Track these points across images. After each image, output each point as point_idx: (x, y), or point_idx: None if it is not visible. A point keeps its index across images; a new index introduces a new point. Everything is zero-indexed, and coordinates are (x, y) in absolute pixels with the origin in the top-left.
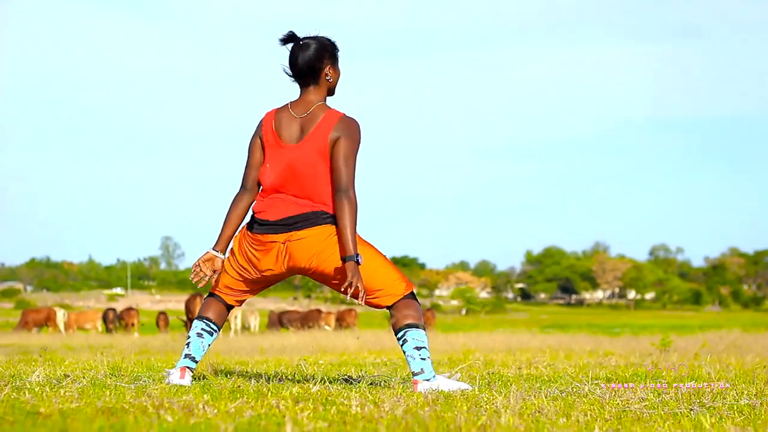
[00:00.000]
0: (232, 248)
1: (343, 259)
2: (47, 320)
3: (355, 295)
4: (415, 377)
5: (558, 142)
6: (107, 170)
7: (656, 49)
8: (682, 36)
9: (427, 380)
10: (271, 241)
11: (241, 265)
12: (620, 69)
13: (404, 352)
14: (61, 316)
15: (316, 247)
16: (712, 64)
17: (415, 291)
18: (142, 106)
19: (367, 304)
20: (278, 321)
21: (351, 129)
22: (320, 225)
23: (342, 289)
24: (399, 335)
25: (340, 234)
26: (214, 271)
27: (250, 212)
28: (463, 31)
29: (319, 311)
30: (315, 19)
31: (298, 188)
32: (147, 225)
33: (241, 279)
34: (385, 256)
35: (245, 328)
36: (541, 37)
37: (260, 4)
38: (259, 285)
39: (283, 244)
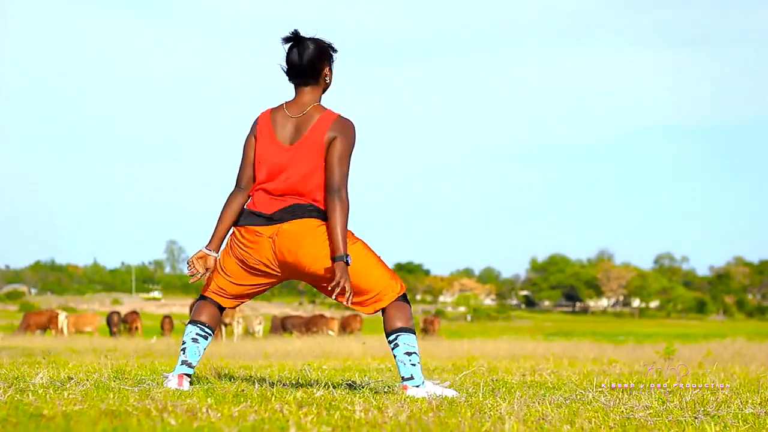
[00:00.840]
0: (225, 249)
1: (333, 260)
2: (49, 323)
3: (341, 296)
4: (405, 382)
5: (563, 149)
6: (113, 173)
7: (663, 57)
8: (690, 44)
9: (417, 386)
10: (258, 234)
11: (233, 264)
12: (626, 76)
13: (395, 356)
14: (62, 318)
15: (302, 239)
16: (718, 72)
17: (407, 294)
18: (147, 109)
19: (359, 309)
20: (281, 326)
21: (347, 129)
22: (306, 218)
23: (329, 289)
24: (390, 338)
25: (330, 233)
26: (207, 269)
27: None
28: (471, 35)
29: (322, 316)
30: (317, 22)
31: (290, 188)
32: (152, 229)
33: (233, 281)
34: (377, 254)
35: (249, 333)
36: (547, 43)
37: (264, 7)
38: (253, 288)
39: (270, 238)
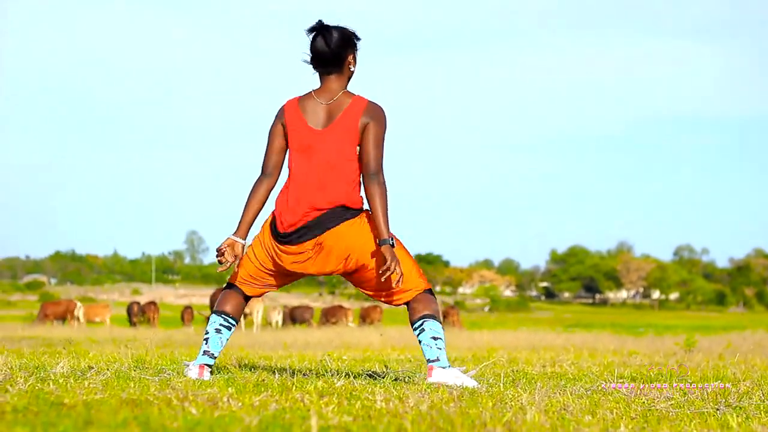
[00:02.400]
0: (257, 239)
1: (378, 243)
2: (66, 313)
3: (385, 293)
4: (431, 363)
5: (583, 140)
6: (133, 164)
7: (683, 47)
8: (710, 33)
9: (443, 368)
10: (301, 252)
11: (265, 259)
12: (647, 66)
13: (420, 342)
14: (78, 308)
15: (340, 244)
16: (739, 62)
17: (432, 288)
18: (168, 100)
19: (385, 300)
20: (290, 317)
21: (379, 114)
22: (340, 223)
23: (380, 272)
24: (416, 325)
25: (373, 218)
26: (236, 257)
27: (273, 207)
28: (491, 25)
29: (341, 307)
30: (329, 11)
31: (323, 175)
32: (172, 219)
33: (265, 271)
34: (407, 250)
35: (268, 323)
36: (567, 32)
37: None
38: (284, 280)
39: (312, 249)
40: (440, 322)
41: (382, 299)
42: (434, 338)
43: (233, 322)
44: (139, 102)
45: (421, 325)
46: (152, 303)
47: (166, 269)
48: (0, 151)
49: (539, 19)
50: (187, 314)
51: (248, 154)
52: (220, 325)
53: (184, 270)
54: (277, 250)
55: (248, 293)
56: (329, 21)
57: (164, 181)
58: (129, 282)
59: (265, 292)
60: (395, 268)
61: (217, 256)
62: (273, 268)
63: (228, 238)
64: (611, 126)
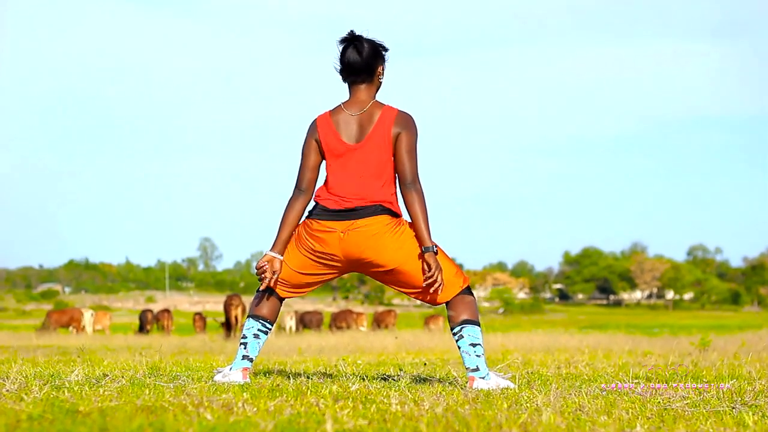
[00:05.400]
0: (292, 240)
1: (423, 251)
2: (71, 321)
3: (432, 287)
4: (471, 374)
5: (595, 141)
6: (146, 171)
7: (695, 47)
8: (721, 34)
9: (482, 378)
10: (330, 229)
11: (299, 255)
12: (659, 67)
13: (459, 348)
14: (88, 317)
15: (374, 236)
16: (751, 62)
17: (470, 286)
18: (181, 107)
19: (423, 299)
20: (300, 321)
21: (410, 123)
22: (379, 215)
23: (424, 278)
24: (455, 331)
25: (414, 226)
26: (274, 272)
27: (312, 202)
28: (502, 28)
29: (350, 311)
30: (341, 16)
31: (362, 186)
32: (185, 226)
33: (298, 271)
34: (442, 249)
35: (281, 328)
36: (578, 34)
37: (299, 3)
38: (316, 278)
39: (342, 232)
40: (479, 326)
41: (420, 298)
42: (473, 345)
43: (270, 327)
44: (150, 110)
45: (460, 331)
46: (166, 310)
47: (179, 276)
48: (12, 160)
49: (554, 22)
50: (198, 321)
51: (261, 161)
52: (258, 330)
53: (198, 277)
54: (312, 236)
55: (283, 295)
56: (338, 26)
57: (176, 189)
58: (143, 290)
59: (300, 294)
60: (438, 277)
61: (257, 274)
62: (307, 264)
63: (266, 255)
64: (623, 127)
